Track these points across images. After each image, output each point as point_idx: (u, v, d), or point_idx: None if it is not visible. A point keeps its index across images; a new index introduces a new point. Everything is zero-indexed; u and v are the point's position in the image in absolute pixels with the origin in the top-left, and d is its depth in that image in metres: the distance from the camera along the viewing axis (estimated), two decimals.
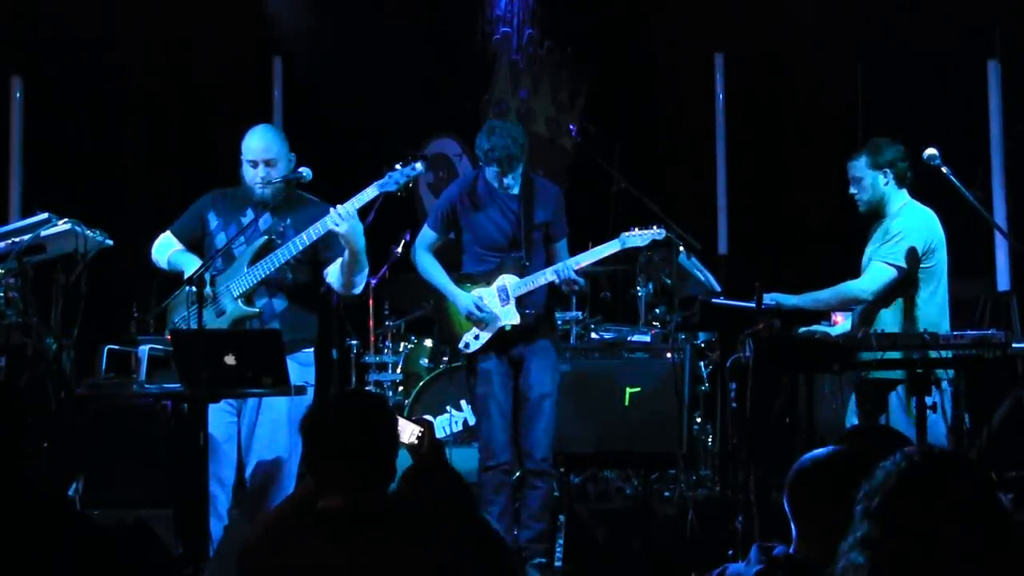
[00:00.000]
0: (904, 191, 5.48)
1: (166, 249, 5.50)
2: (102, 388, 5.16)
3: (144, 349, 5.03)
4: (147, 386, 5.04)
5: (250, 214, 5.36)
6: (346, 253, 5.20)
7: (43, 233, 5.24)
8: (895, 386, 5.32)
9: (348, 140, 8.50)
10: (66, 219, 5.29)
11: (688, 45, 8.84)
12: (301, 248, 5.19)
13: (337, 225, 5.09)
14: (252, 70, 8.93)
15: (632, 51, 9.11)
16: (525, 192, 5.69)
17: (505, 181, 5.63)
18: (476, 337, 5.71)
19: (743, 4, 8.63)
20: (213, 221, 5.44)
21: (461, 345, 5.74)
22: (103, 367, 5.22)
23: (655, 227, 5.71)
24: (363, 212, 5.21)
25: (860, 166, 5.50)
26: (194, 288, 5.01)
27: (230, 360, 4.77)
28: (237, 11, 8.75)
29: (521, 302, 5.66)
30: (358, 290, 5.42)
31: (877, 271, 5.40)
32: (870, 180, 5.48)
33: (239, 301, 5.24)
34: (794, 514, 2.92)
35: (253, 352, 4.85)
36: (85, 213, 5.44)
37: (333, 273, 5.32)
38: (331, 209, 5.12)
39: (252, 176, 5.36)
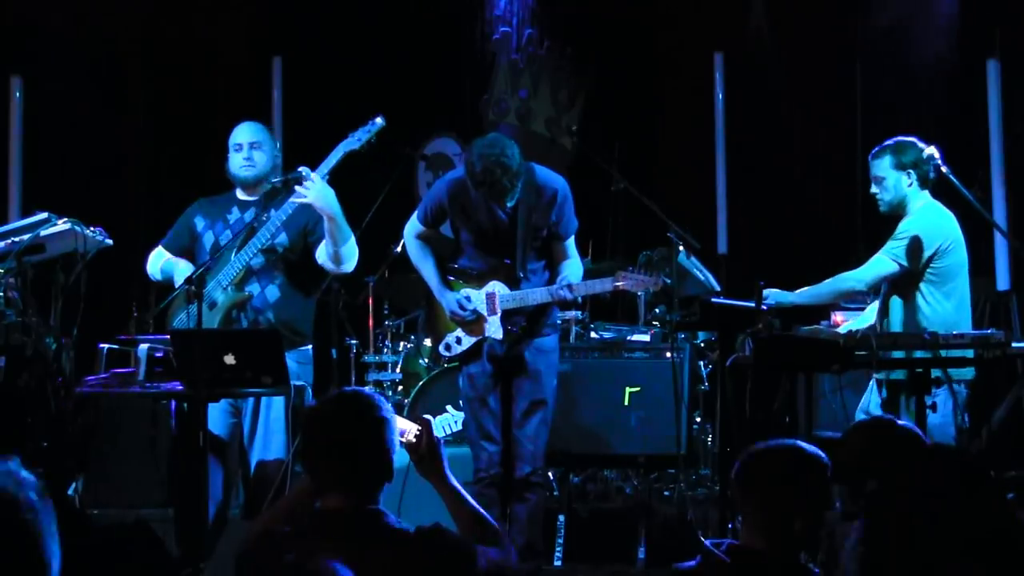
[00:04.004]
0: (926, 192, 5.45)
1: (157, 261, 5.59)
2: (102, 388, 5.16)
3: (144, 349, 5.03)
4: (147, 386, 5.04)
5: (235, 211, 5.49)
6: (326, 222, 5.22)
7: (43, 233, 5.24)
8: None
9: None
10: (66, 219, 5.29)
11: (688, 45, 8.84)
12: (279, 223, 5.25)
13: (305, 195, 5.14)
14: (252, 70, 8.93)
15: (632, 51, 9.11)
16: (522, 193, 5.21)
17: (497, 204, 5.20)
18: (458, 341, 5.39)
19: (743, 4, 8.63)
20: (200, 223, 5.53)
21: (442, 347, 5.44)
22: (103, 367, 5.22)
23: (653, 276, 5.28)
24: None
25: (884, 166, 5.43)
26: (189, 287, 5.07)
27: (230, 360, 4.77)
28: (237, 11, 8.75)
29: (508, 317, 5.31)
30: (348, 265, 5.38)
31: (876, 262, 5.40)
32: (893, 180, 5.42)
33: (229, 289, 5.28)
34: (744, 502, 2.98)
35: (253, 352, 4.85)
36: (85, 213, 5.44)
37: (322, 252, 5.35)
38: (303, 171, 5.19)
39: (236, 162, 5.46)
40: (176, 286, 5.35)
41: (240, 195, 5.53)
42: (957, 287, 5.39)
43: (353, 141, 5.31)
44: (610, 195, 7.33)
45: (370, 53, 9.06)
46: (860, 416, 5.53)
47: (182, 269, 5.42)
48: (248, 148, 5.46)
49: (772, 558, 2.87)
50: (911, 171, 5.40)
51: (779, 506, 2.90)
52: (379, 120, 5.35)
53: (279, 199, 5.34)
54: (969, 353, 4.88)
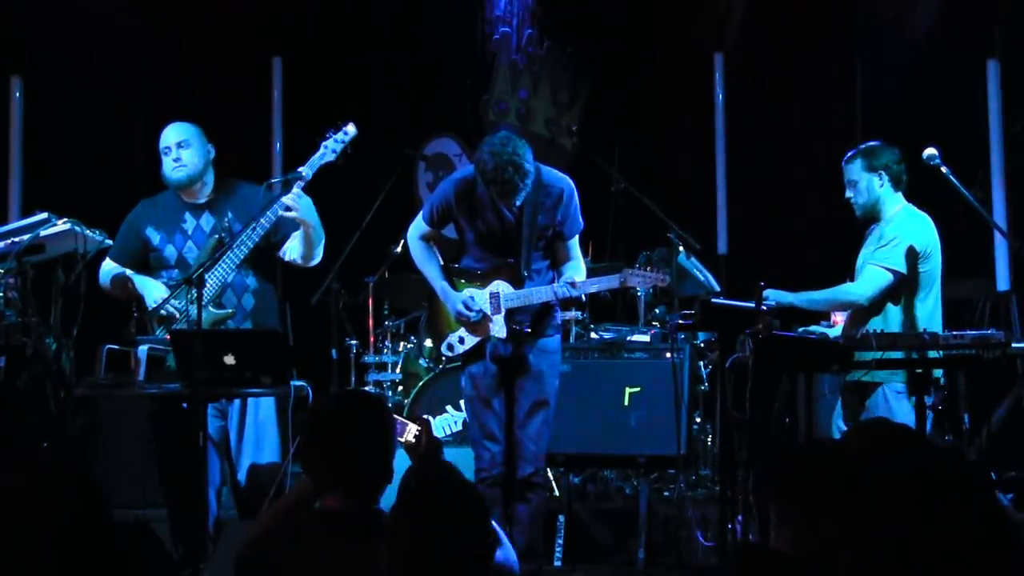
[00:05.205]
0: (899, 194, 5.45)
1: (112, 276, 5.51)
2: (102, 388, 5.16)
3: (143, 349, 5.03)
4: (147, 386, 5.04)
5: (189, 219, 5.42)
6: (302, 229, 5.30)
7: (43, 233, 5.24)
8: (875, 388, 5.30)
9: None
10: (66, 219, 5.29)
11: (688, 45, 8.84)
12: (258, 239, 5.23)
13: (290, 210, 5.18)
14: (252, 70, 8.93)
15: (632, 51, 9.11)
16: (529, 192, 5.18)
17: (506, 203, 5.22)
18: (461, 340, 5.38)
19: (742, 4, 8.64)
20: (155, 236, 5.45)
21: (444, 347, 5.45)
22: (103, 367, 5.22)
23: (660, 273, 5.36)
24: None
25: (855, 169, 5.45)
26: (168, 310, 5.07)
27: (229, 360, 4.78)
28: (237, 11, 8.75)
29: (512, 316, 5.32)
30: (316, 261, 5.48)
31: (873, 275, 5.37)
32: (865, 183, 5.43)
33: (209, 306, 5.23)
34: (778, 503, 2.94)
35: (252, 352, 4.85)
36: (85, 213, 5.44)
37: (293, 249, 5.41)
38: (283, 197, 5.21)
39: (168, 166, 5.43)
40: (148, 304, 5.29)
41: (185, 198, 5.46)
42: (933, 292, 5.40)
43: (328, 153, 5.31)
44: (610, 195, 7.33)
45: (370, 53, 9.06)
46: (838, 421, 5.52)
47: (153, 287, 5.35)
48: (176, 149, 5.41)
49: (812, 560, 2.81)
50: (882, 173, 5.41)
51: (818, 507, 2.82)
52: (351, 129, 5.35)
53: (232, 197, 5.36)
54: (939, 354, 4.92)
